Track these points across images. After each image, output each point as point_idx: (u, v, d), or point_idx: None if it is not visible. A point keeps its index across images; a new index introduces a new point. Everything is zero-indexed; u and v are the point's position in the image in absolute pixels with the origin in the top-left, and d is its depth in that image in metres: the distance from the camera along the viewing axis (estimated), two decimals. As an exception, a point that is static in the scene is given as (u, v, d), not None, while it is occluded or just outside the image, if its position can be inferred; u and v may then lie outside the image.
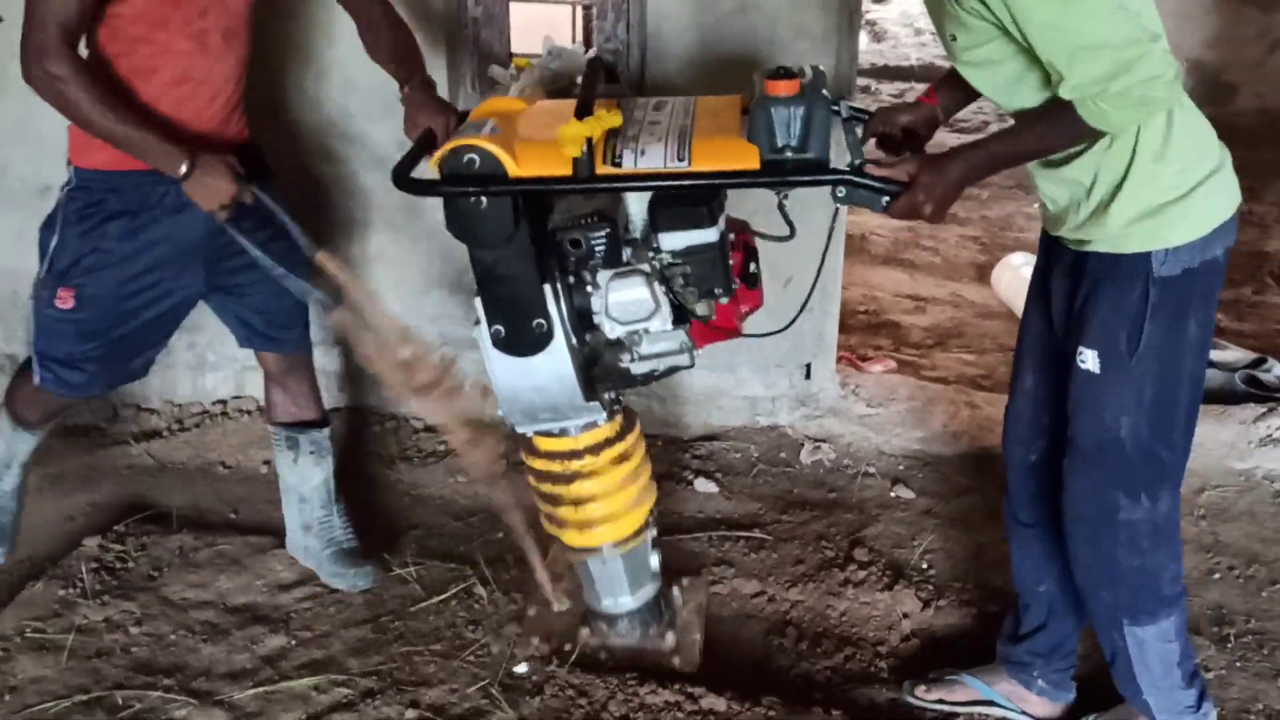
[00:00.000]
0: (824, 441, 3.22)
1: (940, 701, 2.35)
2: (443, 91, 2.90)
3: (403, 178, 1.93)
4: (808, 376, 3.24)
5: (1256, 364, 3.48)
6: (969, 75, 1.94)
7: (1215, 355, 3.59)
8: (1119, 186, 1.83)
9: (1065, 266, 1.98)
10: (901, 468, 3.14)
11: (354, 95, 3.01)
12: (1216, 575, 2.75)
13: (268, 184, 2.36)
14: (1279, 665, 2.46)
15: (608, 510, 2.23)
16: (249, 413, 3.33)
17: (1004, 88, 1.89)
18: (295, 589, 2.64)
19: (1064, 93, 1.69)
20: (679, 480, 3.09)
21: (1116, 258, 1.87)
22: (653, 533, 2.36)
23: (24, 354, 3.30)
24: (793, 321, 2.21)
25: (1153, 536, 2.00)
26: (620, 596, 2.35)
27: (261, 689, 2.33)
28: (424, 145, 2.11)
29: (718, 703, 2.24)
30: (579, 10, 3.40)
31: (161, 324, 2.43)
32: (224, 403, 3.38)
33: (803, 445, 3.22)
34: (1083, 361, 1.93)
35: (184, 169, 2.12)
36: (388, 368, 2.24)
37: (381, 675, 2.37)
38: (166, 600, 2.60)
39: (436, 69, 2.92)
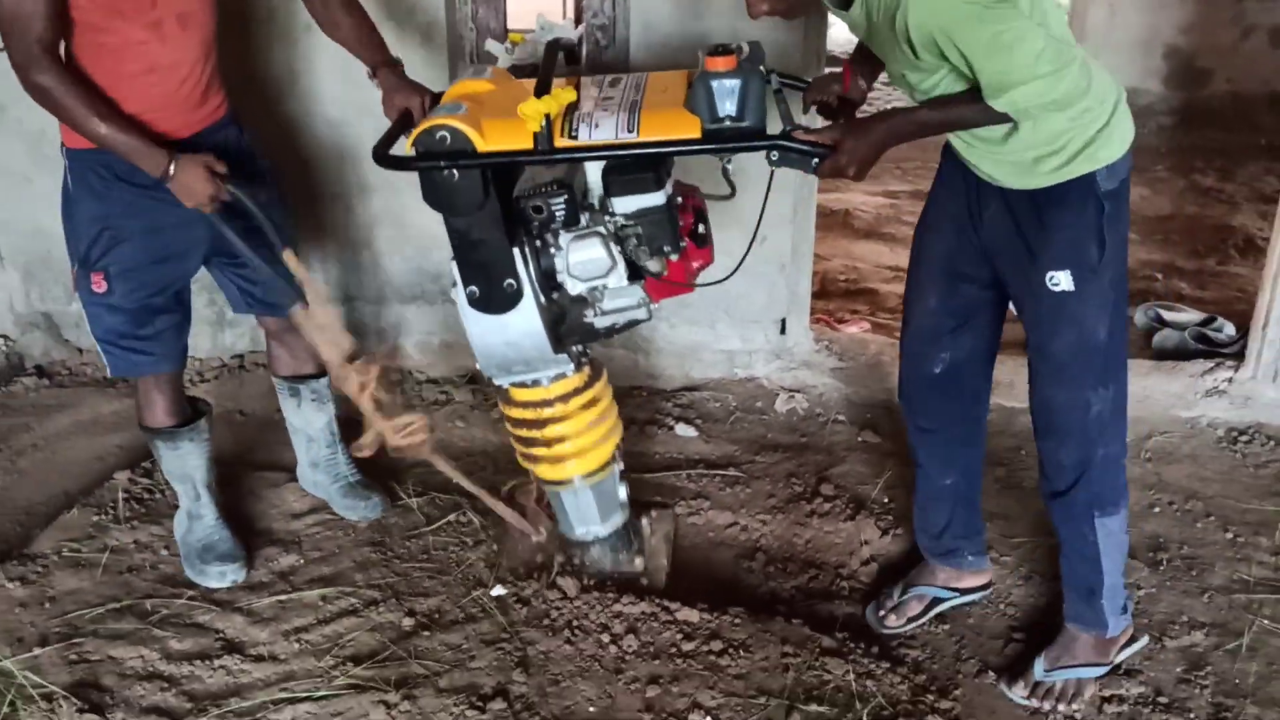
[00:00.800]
0: (798, 392, 3.45)
1: (909, 621, 2.58)
2: (442, 65, 3.16)
3: (382, 155, 2.15)
4: (783, 332, 3.46)
5: (1206, 323, 3.70)
6: (911, 91, 2.13)
7: (1170, 316, 3.82)
8: (1060, 147, 2.04)
9: (999, 202, 2.18)
10: (869, 415, 3.36)
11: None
12: (1156, 509, 2.97)
13: (255, 178, 2.50)
14: (1205, 584, 2.69)
15: (577, 446, 2.45)
16: (263, 366, 3.56)
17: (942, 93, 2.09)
18: (306, 516, 2.89)
19: (998, 107, 1.92)
20: (661, 425, 3.33)
21: (1065, 185, 2.07)
22: (620, 466, 2.59)
23: (57, 310, 3.58)
24: (733, 272, 2.40)
25: (1117, 418, 2.26)
26: (591, 525, 2.57)
27: (276, 598, 2.58)
28: (402, 125, 2.30)
29: (691, 614, 2.47)
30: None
31: (186, 286, 2.59)
32: (241, 357, 3.62)
33: (778, 395, 3.45)
34: (1055, 285, 2.12)
35: (164, 170, 2.25)
36: (333, 362, 2.39)
37: (383, 588, 2.62)
38: (190, 525, 2.86)
39: (436, 45, 3.16)
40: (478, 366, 2.37)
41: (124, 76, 2.30)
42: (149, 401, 2.61)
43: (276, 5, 3.14)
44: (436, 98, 2.36)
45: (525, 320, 2.26)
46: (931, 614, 2.59)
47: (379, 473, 2.96)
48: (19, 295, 3.59)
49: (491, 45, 3.15)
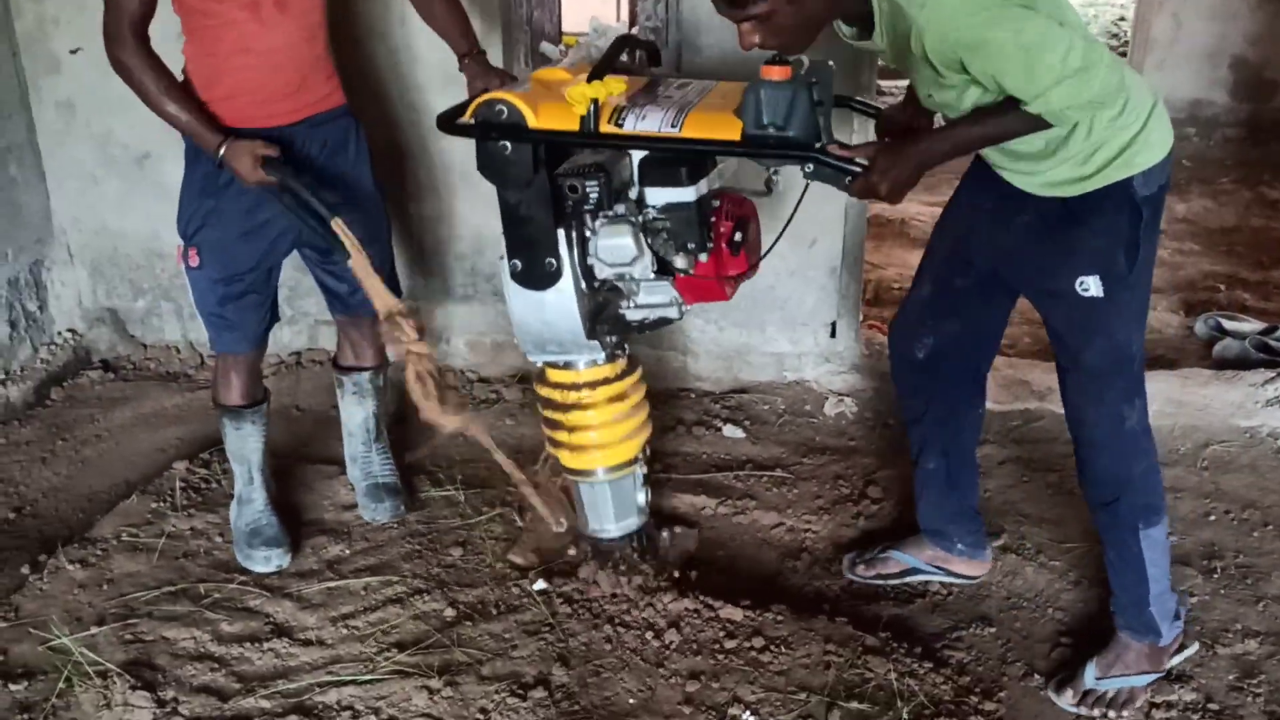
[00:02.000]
0: (847, 396, 3.44)
1: (878, 576, 2.65)
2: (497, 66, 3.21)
3: (444, 121, 2.25)
4: (833, 335, 3.46)
5: (1268, 332, 3.64)
6: (944, 111, 2.11)
7: (1230, 325, 3.75)
8: (1093, 153, 2.03)
9: (1029, 210, 2.15)
10: (919, 420, 3.33)
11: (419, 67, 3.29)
12: (1212, 518, 2.91)
13: (337, 178, 2.57)
14: (1261, 593, 2.63)
15: (600, 438, 2.48)
16: (320, 363, 3.64)
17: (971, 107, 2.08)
18: (356, 508, 2.94)
19: (1032, 109, 1.89)
20: (709, 427, 3.34)
21: (1100, 191, 2.05)
22: (643, 469, 2.60)
23: (122, 306, 3.69)
24: (769, 250, 2.44)
25: (1146, 434, 2.24)
26: (605, 523, 2.58)
27: (324, 585, 2.63)
28: (473, 100, 2.37)
29: (734, 613, 2.47)
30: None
31: (274, 255, 2.63)
32: (299, 354, 3.70)
33: (826, 399, 3.44)
34: (1085, 290, 2.09)
35: (218, 153, 2.36)
36: (381, 311, 2.42)
37: (428, 578, 2.65)
38: (244, 514, 2.92)
39: (492, 46, 3.21)
40: (516, 341, 2.43)
41: (220, 56, 2.40)
42: (225, 379, 2.70)
43: (338, 7, 3.20)
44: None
45: (562, 300, 2.31)
46: (905, 580, 2.65)
47: (412, 472, 3.00)
48: (87, 291, 3.70)
49: (546, 48, 3.20)
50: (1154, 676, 2.35)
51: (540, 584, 2.58)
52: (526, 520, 2.80)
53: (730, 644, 2.39)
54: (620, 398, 2.47)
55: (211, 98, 2.43)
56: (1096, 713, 2.31)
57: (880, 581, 2.65)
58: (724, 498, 2.99)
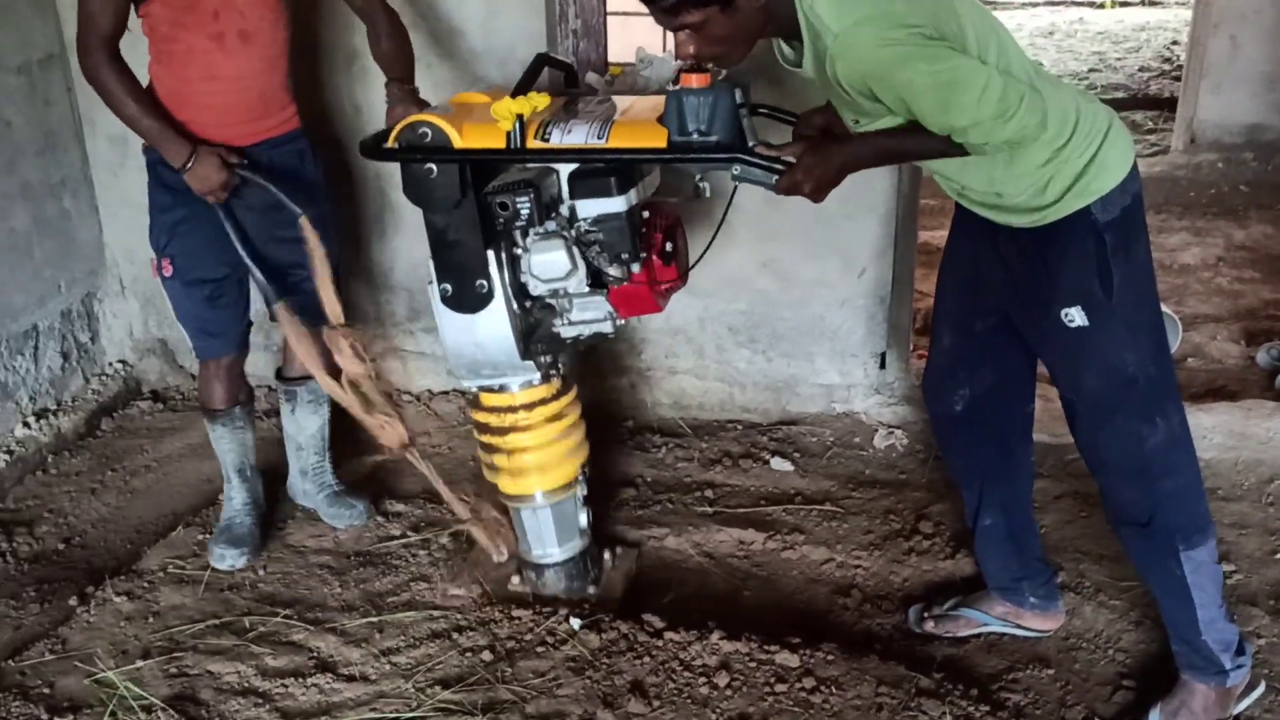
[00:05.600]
0: (897, 428, 3.38)
1: (947, 633, 2.55)
2: (543, 97, 3.21)
3: (368, 148, 2.29)
4: (882, 366, 3.40)
5: (1336, 362, 3.52)
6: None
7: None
8: (1046, 185, 2.01)
9: (1005, 240, 2.14)
10: (972, 453, 3.26)
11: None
12: (1279, 556, 2.82)
13: (298, 192, 2.63)
14: (1332, 637, 2.53)
15: (539, 460, 2.49)
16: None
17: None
18: (402, 539, 2.93)
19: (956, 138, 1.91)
20: (756, 459, 3.29)
21: (1059, 222, 2.04)
22: (583, 491, 2.60)
23: (172, 336, 3.72)
24: (700, 258, 2.43)
25: (1178, 450, 2.16)
26: (549, 547, 2.59)
27: (368, 619, 2.61)
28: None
29: (790, 658, 2.40)
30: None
31: (243, 279, 2.74)
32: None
33: (876, 431, 3.38)
34: (1070, 321, 2.08)
35: (182, 162, 2.48)
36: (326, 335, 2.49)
37: (466, 612, 2.62)
38: (290, 546, 2.93)
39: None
40: (448, 368, 2.43)
41: (187, 81, 2.54)
42: (209, 384, 2.84)
43: (326, 35, 3.26)
44: None
45: (495, 322, 2.33)
46: (981, 632, 2.55)
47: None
48: (138, 322, 3.74)
49: (592, 78, 3.19)
50: None
51: (576, 621, 2.54)
52: (470, 551, 2.80)
53: (780, 686, 2.33)
54: (557, 417, 2.49)
55: (176, 118, 2.55)
56: None
57: (948, 637, 2.56)
58: (772, 532, 2.94)
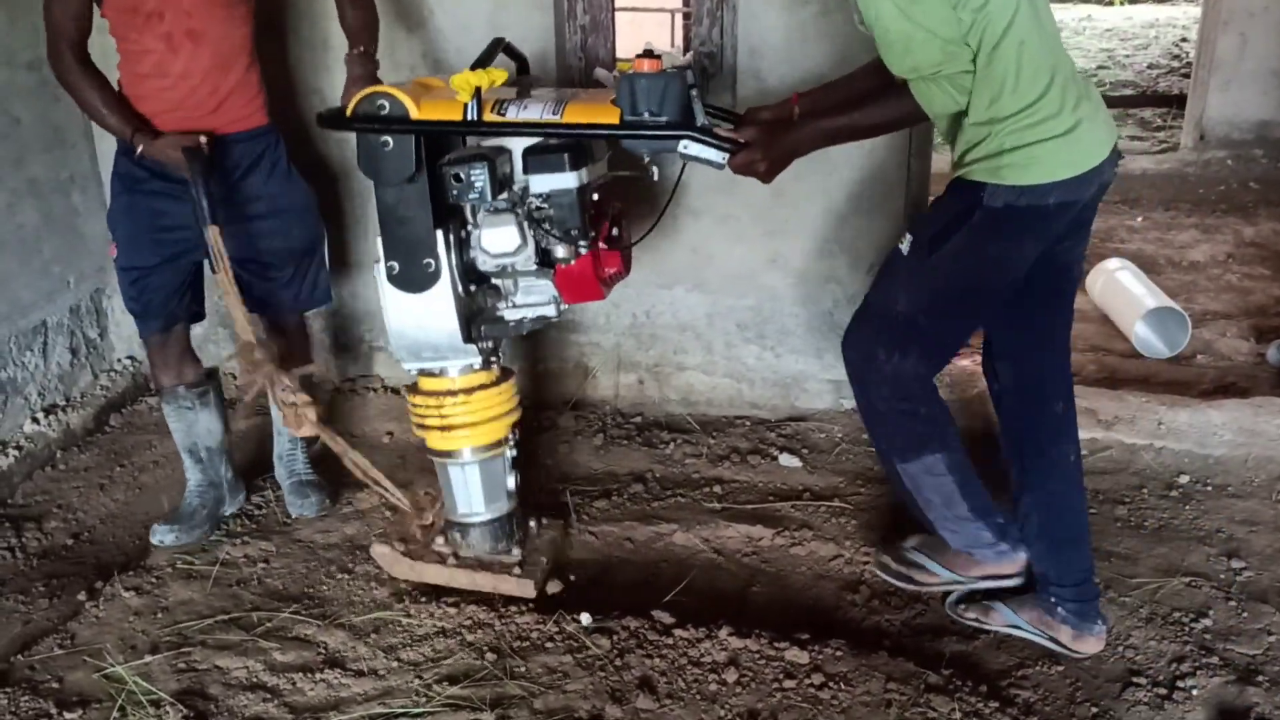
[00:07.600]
0: (906, 424, 3.36)
1: (976, 620, 2.55)
2: (551, 93, 3.21)
3: (326, 119, 2.33)
4: (891, 362, 3.39)
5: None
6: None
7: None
8: (977, 144, 2.14)
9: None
10: (982, 449, 3.25)
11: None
12: (1289, 553, 2.81)
13: (260, 194, 2.79)
14: (1342, 633, 2.52)
15: (468, 418, 2.51)
16: (374, 390, 3.65)
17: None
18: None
19: (897, 72, 2.10)
20: (764, 455, 3.28)
21: (963, 181, 2.19)
22: (512, 453, 2.62)
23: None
24: (647, 233, 2.56)
25: (899, 385, 2.34)
26: (475, 506, 2.60)
27: (376, 615, 2.61)
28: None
29: (800, 655, 2.40)
30: (677, 17, 3.66)
31: (181, 260, 2.81)
32: (353, 380, 3.71)
33: (885, 427, 3.36)
34: (900, 243, 2.30)
35: (143, 150, 2.63)
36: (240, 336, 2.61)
37: (478, 608, 2.60)
38: (298, 542, 2.92)
39: (548, 73, 3.21)
40: (389, 348, 2.45)
41: (142, 78, 2.67)
42: (151, 362, 2.95)
43: (302, 22, 3.29)
44: None
45: (439, 303, 2.35)
46: (1008, 632, 2.54)
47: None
48: (146, 319, 3.74)
49: (600, 73, 3.18)
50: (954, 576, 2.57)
51: (585, 617, 2.54)
52: (393, 516, 2.85)
53: (789, 682, 2.32)
54: (494, 397, 2.52)
55: (139, 111, 2.68)
56: None
57: (977, 624, 2.55)
58: (780, 528, 2.93)
